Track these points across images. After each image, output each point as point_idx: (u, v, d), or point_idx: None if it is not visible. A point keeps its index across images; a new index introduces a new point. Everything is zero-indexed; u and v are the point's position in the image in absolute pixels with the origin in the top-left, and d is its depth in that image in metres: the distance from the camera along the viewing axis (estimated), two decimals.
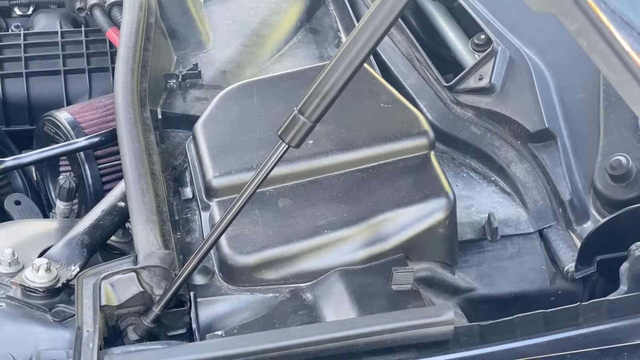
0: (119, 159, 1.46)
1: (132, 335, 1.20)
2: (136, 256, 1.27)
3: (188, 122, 1.57)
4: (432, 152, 1.42)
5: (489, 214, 1.48)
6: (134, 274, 1.22)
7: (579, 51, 1.25)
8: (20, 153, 1.87)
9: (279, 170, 1.28)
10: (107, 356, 1.12)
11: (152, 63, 1.63)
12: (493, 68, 1.63)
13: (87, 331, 1.15)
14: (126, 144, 1.44)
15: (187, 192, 1.45)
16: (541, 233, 1.51)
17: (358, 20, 1.80)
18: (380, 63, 1.75)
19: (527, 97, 1.58)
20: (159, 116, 1.57)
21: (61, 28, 2.15)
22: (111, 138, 1.70)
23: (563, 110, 1.57)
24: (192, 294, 1.25)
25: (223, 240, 1.28)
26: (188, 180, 1.48)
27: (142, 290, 1.21)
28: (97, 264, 1.32)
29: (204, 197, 1.38)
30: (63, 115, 1.79)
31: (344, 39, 1.84)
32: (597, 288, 1.42)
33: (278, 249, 1.29)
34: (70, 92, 2.01)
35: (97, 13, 2.00)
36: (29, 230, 1.49)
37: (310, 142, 1.35)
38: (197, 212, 1.40)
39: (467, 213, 1.50)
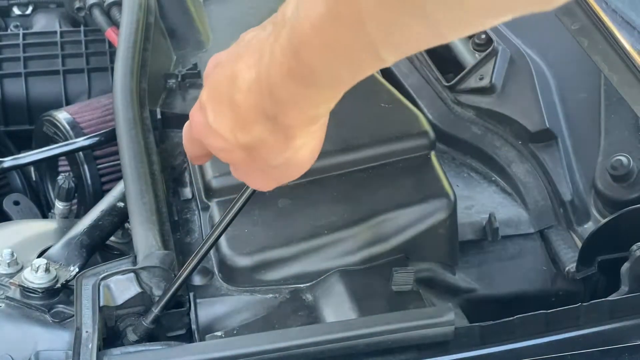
0: (118, 159, 1.45)
1: (132, 336, 1.20)
2: (135, 257, 1.27)
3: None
4: (433, 153, 1.42)
5: (489, 215, 1.48)
6: (133, 274, 1.22)
7: (580, 51, 1.25)
8: (19, 153, 1.87)
9: None
10: (106, 357, 1.12)
11: (152, 63, 1.63)
12: (494, 68, 1.63)
13: (86, 332, 1.15)
14: (125, 144, 1.44)
15: (187, 192, 1.44)
16: (542, 233, 1.51)
17: None
18: None
19: (528, 97, 1.58)
20: (159, 116, 1.56)
21: (60, 28, 2.14)
22: (110, 138, 1.70)
23: (564, 110, 1.56)
24: (191, 294, 1.25)
25: (223, 240, 1.28)
26: (187, 180, 1.47)
27: (141, 291, 1.21)
28: (96, 264, 1.31)
29: (203, 197, 1.38)
30: (62, 115, 1.79)
31: None
32: (598, 288, 1.41)
33: (278, 250, 1.28)
34: (70, 92, 2.01)
35: (96, 12, 2.00)
36: (28, 230, 1.48)
37: None
38: (196, 212, 1.40)
39: (467, 213, 1.50)
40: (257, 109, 0.91)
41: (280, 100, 0.88)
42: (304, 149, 0.95)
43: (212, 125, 0.95)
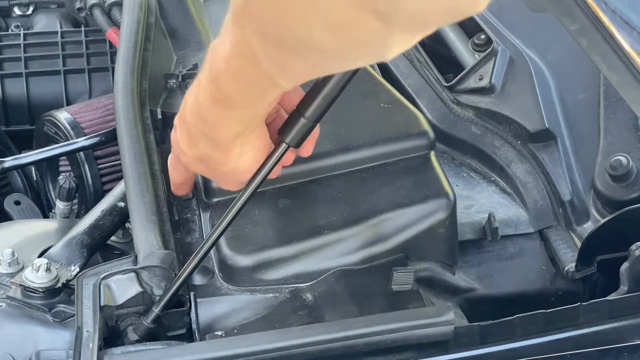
0: (119, 159, 1.45)
1: (132, 336, 1.20)
2: (136, 256, 1.27)
3: None
4: (432, 152, 1.42)
5: (489, 214, 1.48)
6: (133, 274, 1.22)
7: (579, 51, 1.25)
8: (20, 153, 1.87)
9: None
10: (107, 356, 1.12)
11: (152, 63, 1.63)
12: (493, 68, 1.63)
13: (87, 331, 1.15)
14: (126, 144, 1.44)
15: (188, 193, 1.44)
16: (541, 233, 1.51)
17: None
18: (380, 63, 1.74)
19: (528, 97, 1.58)
20: (159, 116, 1.56)
21: (61, 28, 2.15)
22: (111, 138, 1.70)
23: (563, 110, 1.57)
24: (192, 294, 1.25)
25: (223, 240, 1.28)
26: None
27: (142, 290, 1.21)
28: (97, 264, 1.32)
29: (203, 197, 1.38)
30: (63, 115, 1.79)
31: None
32: (597, 288, 1.42)
33: (278, 250, 1.29)
34: (70, 92, 2.01)
35: (97, 13, 2.00)
36: (29, 230, 1.49)
37: None
38: (197, 212, 1.40)
39: (467, 213, 1.50)
40: (197, 128, 1.10)
41: (208, 121, 1.08)
42: (244, 157, 1.12)
43: (178, 141, 1.16)
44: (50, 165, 1.87)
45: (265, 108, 1.07)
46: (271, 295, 1.28)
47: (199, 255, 1.20)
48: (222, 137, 1.10)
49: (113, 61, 1.97)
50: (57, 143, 1.77)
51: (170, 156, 1.26)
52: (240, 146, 1.11)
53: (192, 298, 1.25)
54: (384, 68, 1.74)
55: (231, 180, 1.19)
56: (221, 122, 1.08)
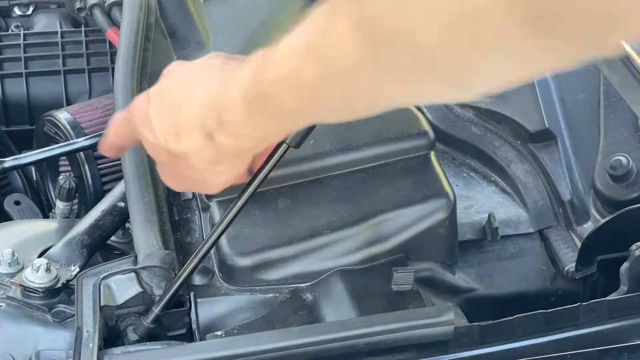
0: (119, 159, 1.45)
1: (132, 336, 1.20)
2: (136, 256, 1.27)
3: None
4: (432, 152, 1.42)
5: (489, 214, 1.48)
6: (133, 274, 1.22)
7: None
8: (20, 153, 1.87)
9: (279, 171, 1.28)
10: (107, 356, 1.12)
11: (152, 63, 1.63)
12: None
13: (87, 331, 1.15)
14: None
15: (187, 192, 1.45)
16: (541, 233, 1.51)
17: None
18: None
19: (528, 97, 1.58)
20: None
21: (61, 28, 2.15)
22: None
23: (563, 110, 1.57)
24: (192, 294, 1.25)
25: (223, 240, 1.28)
26: None
27: (142, 290, 1.21)
28: (97, 264, 1.32)
29: (204, 197, 1.38)
30: (63, 115, 1.79)
31: None
32: (597, 288, 1.42)
33: (278, 250, 1.29)
34: (70, 92, 2.01)
35: (97, 13, 2.00)
36: (29, 230, 1.49)
37: (311, 142, 1.35)
38: (197, 212, 1.40)
39: (467, 213, 1.50)
40: (196, 124, 1.00)
41: (226, 121, 0.97)
42: (222, 175, 1.07)
43: (151, 119, 1.04)
44: (50, 165, 1.87)
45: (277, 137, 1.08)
46: (271, 295, 1.28)
47: (199, 255, 1.20)
48: (245, 147, 1.03)
49: (113, 61, 1.97)
50: (57, 143, 1.76)
51: (120, 115, 1.14)
52: (229, 164, 1.06)
53: (192, 298, 1.25)
54: None
55: (190, 186, 1.17)
56: (245, 130, 0.99)
